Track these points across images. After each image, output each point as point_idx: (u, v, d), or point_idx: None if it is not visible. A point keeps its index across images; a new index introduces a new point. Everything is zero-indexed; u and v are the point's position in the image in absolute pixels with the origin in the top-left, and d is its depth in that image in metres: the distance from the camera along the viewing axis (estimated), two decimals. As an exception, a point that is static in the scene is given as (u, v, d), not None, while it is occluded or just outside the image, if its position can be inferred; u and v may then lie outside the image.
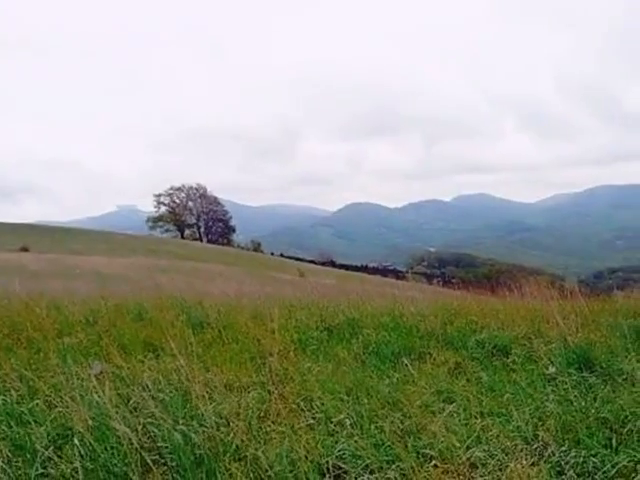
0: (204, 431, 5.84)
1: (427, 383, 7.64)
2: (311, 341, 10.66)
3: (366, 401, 6.94)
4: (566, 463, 5.29)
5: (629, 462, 5.09)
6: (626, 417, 6.01)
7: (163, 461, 5.61)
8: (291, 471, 5.25)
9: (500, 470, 5.26)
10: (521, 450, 5.61)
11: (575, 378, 7.45)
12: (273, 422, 6.47)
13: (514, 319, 11.35)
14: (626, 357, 8.22)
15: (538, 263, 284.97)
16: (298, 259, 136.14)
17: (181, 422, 5.89)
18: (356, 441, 5.66)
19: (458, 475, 5.26)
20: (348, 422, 6.19)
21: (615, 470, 5.04)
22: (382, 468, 5.31)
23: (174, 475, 5.35)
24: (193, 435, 5.66)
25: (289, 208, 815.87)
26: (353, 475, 5.24)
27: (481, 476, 5.18)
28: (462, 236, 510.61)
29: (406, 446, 5.66)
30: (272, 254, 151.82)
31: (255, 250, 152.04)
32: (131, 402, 6.68)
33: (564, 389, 7.01)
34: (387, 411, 6.67)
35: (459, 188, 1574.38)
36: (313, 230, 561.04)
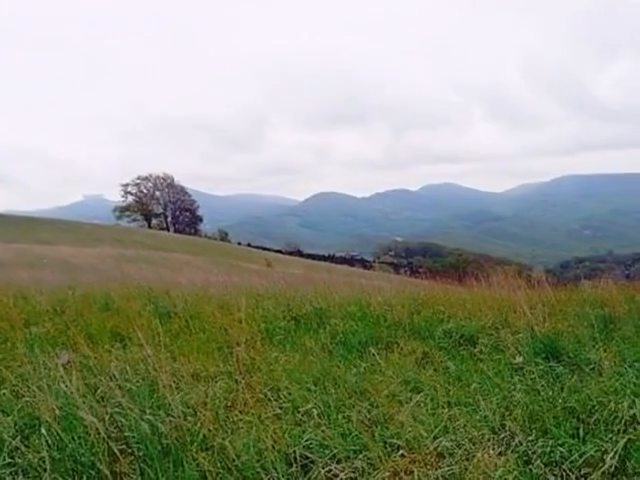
0: (171, 421, 5.85)
1: (394, 373, 7.66)
2: (278, 331, 10.69)
3: (333, 391, 6.96)
4: (533, 453, 5.31)
5: (596, 452, 5.10)
6: (593, 407, 6.03)
7: (130, 451, 5.60)
8: (258, 461, 5.26)
9: (467, 460, 5.29)
10: (488, 440, 5.66)
11: (542, 368, 7.47)
12: (240, 412, 6.49)
13: (481, 309, 11.38)
14: (593, 347, 8.27)
15: (505, 253, 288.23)
16: (265, 249, 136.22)
17: (148, 412, 5.88)
18: (323, 431, 5.68)
19: (425, 465, 5.28)
20: (315, 412, 6.18)
21: (582, 460, 5.06)
22: (349, 458, 5.33)
23: (141, 465, 5.33)
24: (160, 425, 5.66)
25: (256, 198, 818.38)
26: (320, 465, 5.24)
27: (448, 466, 5.19)
28: (429, 226, 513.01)
29: (373, 436, 5.68)
30: (239, 244, 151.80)
31: (222, 240, 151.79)
32: (98, 392, 6.67)
33: (531, 379, 7.04)
34: (354, 401, 6.69)
35: (426, 178, 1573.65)
36: (280, 220, 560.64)
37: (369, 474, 5.08)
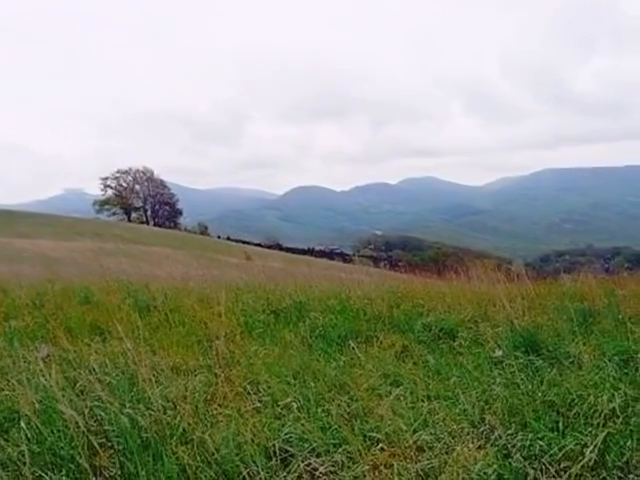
0: (151, 414, 5.85)
1: (374, 366, 7.67)
2: (258, 324, 10.70)
3: (313, 384, 6.97)
4: (513, 446, 5.31)
5: (576, 445, 5.11)
6: (572, 400, 6.05)
7: (110, 444, 5.60)
8: (237, 454, 5.27)
9: (447, 453, 5.30)
10: (468, 433, 5.67)
11: (522, 361, 7.48)
12: (220, 405, 6.51)
13: (461, 302, 11.42)
14: (573, 340, 8.28)
15: (485, 246, 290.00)
16: (245, 242, 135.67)
17: (128, 405, 5.88)
18: (303, 424, 5.69)
19: (405, 458, 5.29)
20: (295, 405, 6.19)
21: (562, 453, 5.07)
22: (329, 451, 5.35)
23: (121, 458, 5.33)
24: (140, 418, 5.65)
25: (236, 191, 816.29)
26: (300, 458, 5.25)
27: (428, 459, 5.19)
28: (409, 219, 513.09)
29: (353, 429, 5.70)
30: (219, 237, 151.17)
31: (202, 233, 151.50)
32: (78, 385, 6.68)
33: (511, 372, 7.02)
34: (334, 394, 6.71)
35: (406, 171, 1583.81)
36: (260, 213, 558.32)
37: (349, 468, 5.09)
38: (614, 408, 5.65)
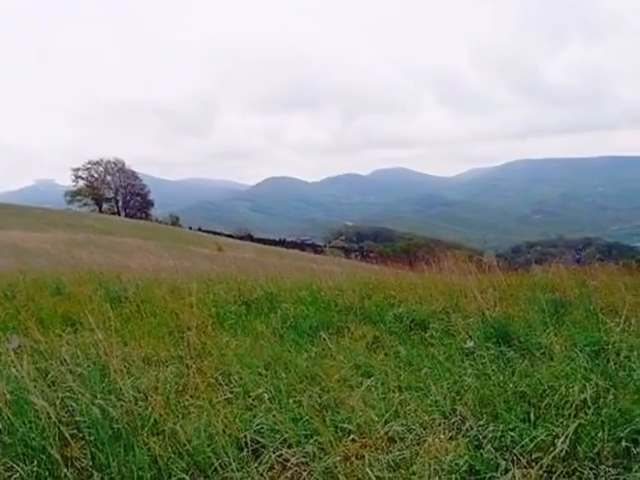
0: (122, 405, 5.85)
1: (345, 357, 7.70)
2: (229, 315, 10.71)
3: (284, 375, 6.98)
4: (484, 437, 5.34)
5: (547, 436, 5.13)
6: (544, 391, 6.06)
7: (81, 435, 5.60)
8: (209, 445, 5.28)
9: (418, 444, 5.32)
10: (439, 424, 5.69)
11: (493, 352, 7.51)
12: (191, 396, 6.52)
13: (432, 293, 11.43)
14: (544, 331, 8.31)
15: (456, 237, 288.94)
16: (216, 233, 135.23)
17: (99, 396, 5.87)
18: (274, 415, 5.71)
19: (376, 449, 5.31)
20: (266, 396, 6.20)
21: (533, 444, 5.09)
22: (300, 442, 5.37)
23: (92, 449, 5.33)
24: (111, 409, 5.64)
25: (207, 182, 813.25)
26: (271, 449, 5.26)
27: (399, 450, 5.22)
28: (380, 210, 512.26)
29: (324, 420, 5.72)
30: (190, 228, 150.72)
31: (173, 224, 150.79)
32: (49, 376, 6.66)
33: (482, 363, 7.07)
34: (305, 385, 6.74)
35: (377, 162, 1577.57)
36: (231, 204, 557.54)
37: (320, 458, 5.11)
38: (585, 399, 5.68)
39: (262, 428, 5.63)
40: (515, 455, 5.00)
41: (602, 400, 5.73)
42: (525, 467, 4.80)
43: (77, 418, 5.75)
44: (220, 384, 6.79)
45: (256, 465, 5.08)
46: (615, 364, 6.80)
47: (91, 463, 5.21)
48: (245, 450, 5.26)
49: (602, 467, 4.79)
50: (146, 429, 5.60)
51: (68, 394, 6.02)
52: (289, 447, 5.30)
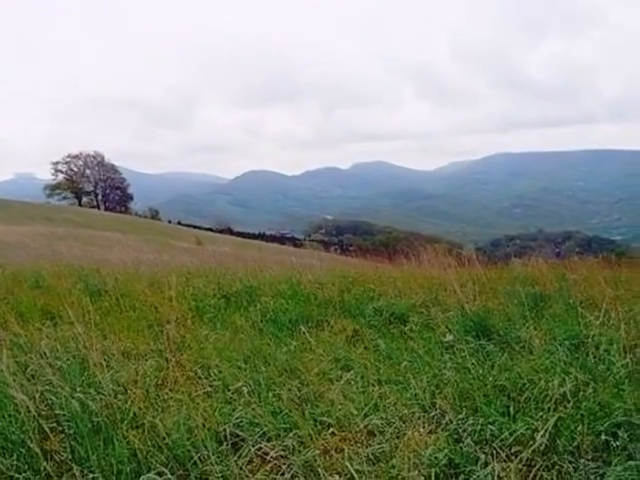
0: (102, 399, 5.85)
1: (325, 351, 7.70)
2: (208, 309, 10.72)
3: (264, 369, 6.99)
4: (464, 431, 5.34)
5: (526, 430, 5.14)
6: (523, 385, 6.08)
7: (61, 429, 5.60)
8: (188, 439, 5.27)
9: (397, 438, 5.32)
10: (418, 418, 5.69)
11: (472, 346, 7.52)
12: (170, 390, 6.51)
13: (412, 287, 11.45)
14: (524, 325, 8.33)
15: (436, 231, 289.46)
16: (195, 227, 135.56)
17: (79, 390, 5.87)
18: (253, 409, 5.71)
19: (355, 442, 5.32)
20: (245, 390, 6.19)
21: (513, 438, 5.09)
22: (280, 436, 5.36)
23: (71, 442, 5.32)
24: (90, 403, 5.64)
25: (186, 176, 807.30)
26: (250, 443, 5.26)
27: (378, 444, 5.21)
28: (359, 204, 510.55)
29: (303, 414, 5.72)
30: (169, 222, 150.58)
31: (153, 218, 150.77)
32: (29, 370, 6.67)
33: (461, 357, 7.06)
34: (285, 379, 6.74)
35: (357, 156, 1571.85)
36: (210, 198, 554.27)
37: (299, 452, 5.10)
38: (565, 393, 5.69)
39: (241, 422, 5.63)
40: (495, 449, 5.01)
41: (582, 394, 5.74)
42: (504, 461, 4.82)
43: (56, 411, 5.74)
44: (199, 377, 6.79)
45: (235, 459, 5.07)
46: (594, 357, 6.83)
47: (70, 456, 5.20)
48: (224, 444, 5.25)
49: (582, 461, 4.80)
50: (125, 422, 5.61)
51: (47, 388, 6.02)
52: (268, 440, 5.30)
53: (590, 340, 7.27)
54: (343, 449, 5.14)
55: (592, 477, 4.66)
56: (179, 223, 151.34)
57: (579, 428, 5.12)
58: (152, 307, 10.08)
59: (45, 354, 6.88)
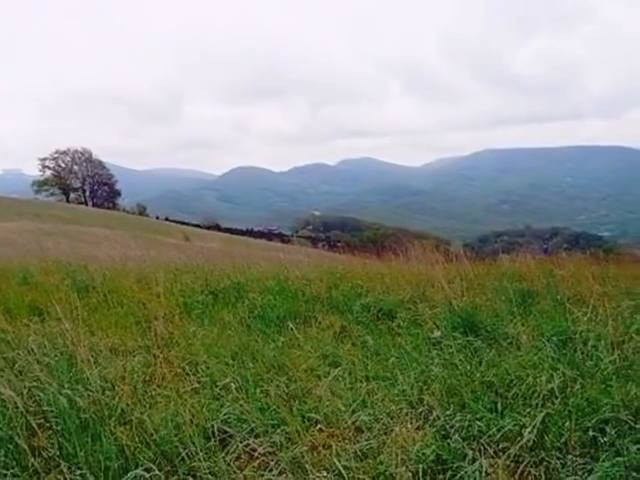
0: (89, 395, 5.85)
1: (312, 347, 7.72)
2: (196, 305, 10.70)
3: (251, 365, 7.00)
4: (451, 427, 5.34)
5: (514, 426, 5.15)
6: (511, 381, 6.08)
7: (48, 425, 5.61)
8: (176, 435, 5.29)
9: (385, 434, 5.33)
10: (406, 414, 5.68)
11: (460, 342, 7.52)
12: (158, 386, 6.51)
13: (399, 283, 11.43)
14: (511, 321, 8.34)
15: (424, 227, 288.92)
16: (183, 223, 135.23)
17: (66, 386, 5.86)
18: (241, 405, 5.72)
19: (343, 439, 5.33)
20: (233, 386, 6.17)
21: (500, 434, 5.11)
22: (267, 432, 5.39)
23: (59, 439, 5.33)
24: (78, 399, 5.63)
25: (174, 172, 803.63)
26: (238, 439, 5.27)
27: (366, 440, 5.23)
28: (347, 200, 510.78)
29: (291, 410, 5.73)
30: (157, 218, 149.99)
31: (140, 214, 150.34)
32: (16, 366, 6.68)
33: (449, 353, 7.08)
34: (272, 375, 6.75)
35: (344, 152, 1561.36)
36: (198, 194, 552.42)
37: (287, 448, 5.12)
38: (552, 389, 5.70)
39: (229, 418, 5.64)
40: (482, 445, 5.01)
41: (569, 390, 5.76)
42: (492, 457, 4.82)
43: (44, 408, 5.75)
44: (187, 374, 6.80)
45: (223, 455, 5.07)
46: (582, 354, 6.84)
47: (58, 453, 5.21)
48: (212, 440, 5.26)
49: (569, 457, 4.81)
50: (113, 419, 5.61)
51: (35, 384, 6.02)
52: (256, 437, 5.31)
53: (578, 336, 7.28)
54: (331, 445, 5.14)
55: (580, 473, 4.66)
56: (167, 219, 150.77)
57: (567, 424, 5.13)
58: (140, 303, 10.08)
59: (33, 350, 6.89)
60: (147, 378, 6.77)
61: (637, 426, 5.09)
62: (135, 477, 4.80)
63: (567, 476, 4.66)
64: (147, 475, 4.78)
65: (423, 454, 4.92)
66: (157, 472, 4.80)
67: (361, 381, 6.49)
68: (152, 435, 5.26)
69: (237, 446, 5.18)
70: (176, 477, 4.99)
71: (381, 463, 4.87)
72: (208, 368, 6.92)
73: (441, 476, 4.84)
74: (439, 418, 5.52)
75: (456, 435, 5.18)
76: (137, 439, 5.24)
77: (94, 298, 10.94)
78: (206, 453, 5.05)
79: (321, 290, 11.08)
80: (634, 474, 4.58)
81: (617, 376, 6.12)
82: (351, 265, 14.73)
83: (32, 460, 5.04)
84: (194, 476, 4.95)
